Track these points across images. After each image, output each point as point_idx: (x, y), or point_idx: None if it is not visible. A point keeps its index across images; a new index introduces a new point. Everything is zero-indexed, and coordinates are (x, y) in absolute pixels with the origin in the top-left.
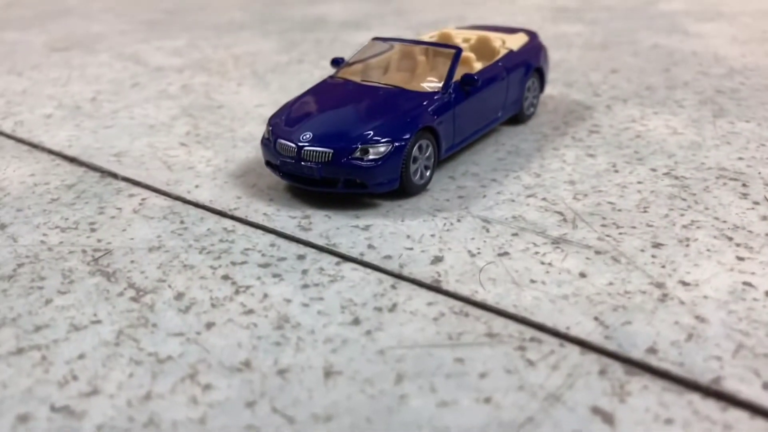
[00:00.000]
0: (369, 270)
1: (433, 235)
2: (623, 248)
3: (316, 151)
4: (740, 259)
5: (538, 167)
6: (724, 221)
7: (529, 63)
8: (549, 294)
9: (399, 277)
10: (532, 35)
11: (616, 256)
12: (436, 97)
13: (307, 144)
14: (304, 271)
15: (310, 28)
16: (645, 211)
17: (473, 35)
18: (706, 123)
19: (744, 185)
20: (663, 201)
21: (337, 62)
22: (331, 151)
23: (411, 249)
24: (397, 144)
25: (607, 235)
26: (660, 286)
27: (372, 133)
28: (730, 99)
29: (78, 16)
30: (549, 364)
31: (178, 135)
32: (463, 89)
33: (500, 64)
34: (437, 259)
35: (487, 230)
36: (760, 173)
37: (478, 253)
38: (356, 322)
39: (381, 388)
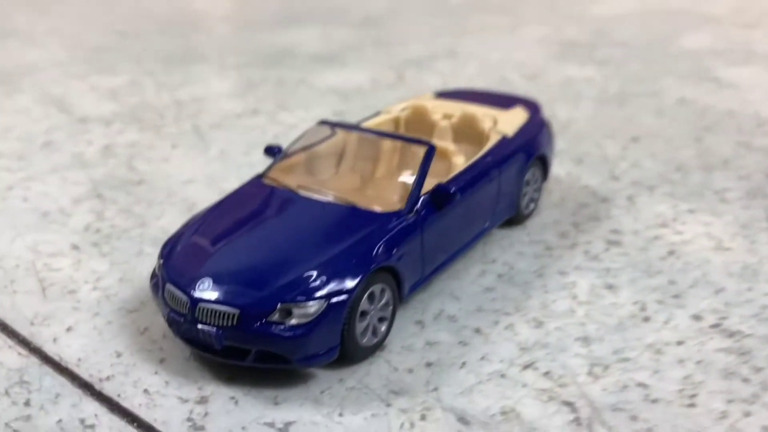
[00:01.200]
0: None
1: None
2: None
3: (216, 311)
4: None
5: (539, 307)
6: None
7: (529, 151)
8: None
9: None
10: (532, 109)
11: None
12: (397, 221)
13: (203, 298)
14: None
15: (275, 62)
16: (692, 406)
17: (456, 110)
18: (760, 230)
19: None
20: (716, 383)
21: (272, 152)
22: (237, 311)
23: None
24: (335, 300)
25: None
26: None
27: (299, 284)
28: None
29: (19, 39)
30: None
31: (75, 230)
32: (435, 204)
33: (489, 159)
34: None
35: None
36: None
37: None
38: None
39: None
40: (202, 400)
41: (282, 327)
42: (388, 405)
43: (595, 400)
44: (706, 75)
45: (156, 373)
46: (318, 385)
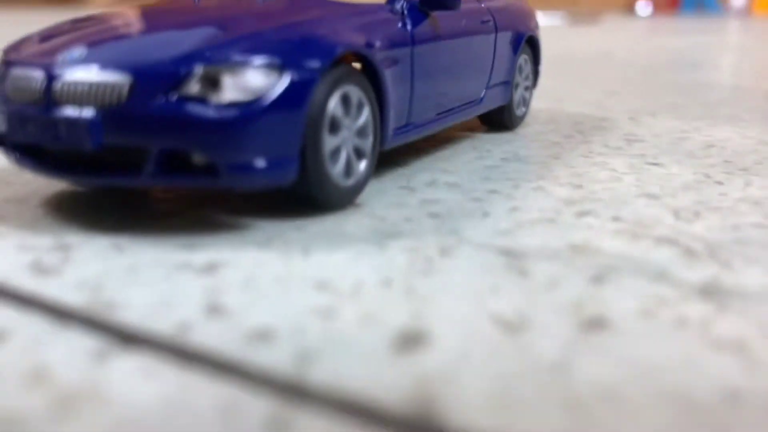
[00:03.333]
0: (195, 372)
1: (387, 283)
2: None
3: (91, 85)
4: None
5: (569, 176)
6: None
7: (519, 29)
8: None
9: (300, 392)
10: None
11: None
12: (378, 12)
13: (71, 68)
14: None
15: None
16: None
17: None
18: None
19: None
20: None
21: None
22: (129, 79)
23: (331, 313)
24: (294, 74)
25: None
26: None
27: (236, 43)
28: None
29: None
30: None
31: None
32: (423, 12)
33: (483, 5)
34: (410, 341)
35: (525, 271)
36: None
37: (528, 322)
38: None
39: None
40: (60, 247)
41: (205, 103)
42: (383, 247)
43: (702, 236)
44: None
45: None
46: (258, 231)
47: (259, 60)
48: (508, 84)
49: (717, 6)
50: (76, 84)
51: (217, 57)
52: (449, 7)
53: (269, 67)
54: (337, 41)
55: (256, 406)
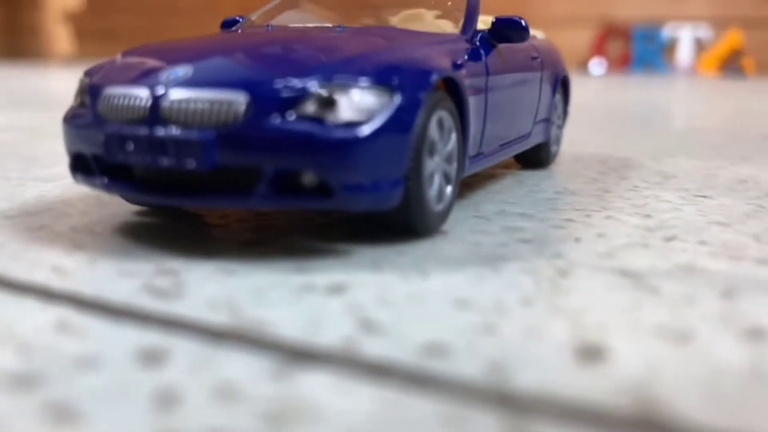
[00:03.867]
0: (395, 384)
1: (528, 302)
2: None
3: (202, 102)
4: None
5: (631, 206)
6: None
7: (557, 69)
8: None
9: (511, 405)
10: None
11: None
12: (457, 42)
13: (178, 86)
14: (166, 399)
15: None
16: None
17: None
18: None
19: None
20: None
21: (230, 24)
22: (246, 98)
23: (491, 329)
24: (403, 96)
25: None
26: None
27: (349, 62)
28: None
29: None
30: None
31: None
32: (493, 45)
33: (534, 47)
34: (592, 353)
35: (654, 290)
36: None
37: (690, 334)
38: None
39: None
40: (167, 272)
41: (321, 123)
42: (496, 269)
43: None
44: None
45: (73, 250)
46: (360, 257)
47: (372, 81)
48: (549, 121)
49: (665, 65)
50: (187, 102)
51: (333, 77)
52: (517, 40)
53: (382, 88)
54: (434, 67)
55: (483, 419)
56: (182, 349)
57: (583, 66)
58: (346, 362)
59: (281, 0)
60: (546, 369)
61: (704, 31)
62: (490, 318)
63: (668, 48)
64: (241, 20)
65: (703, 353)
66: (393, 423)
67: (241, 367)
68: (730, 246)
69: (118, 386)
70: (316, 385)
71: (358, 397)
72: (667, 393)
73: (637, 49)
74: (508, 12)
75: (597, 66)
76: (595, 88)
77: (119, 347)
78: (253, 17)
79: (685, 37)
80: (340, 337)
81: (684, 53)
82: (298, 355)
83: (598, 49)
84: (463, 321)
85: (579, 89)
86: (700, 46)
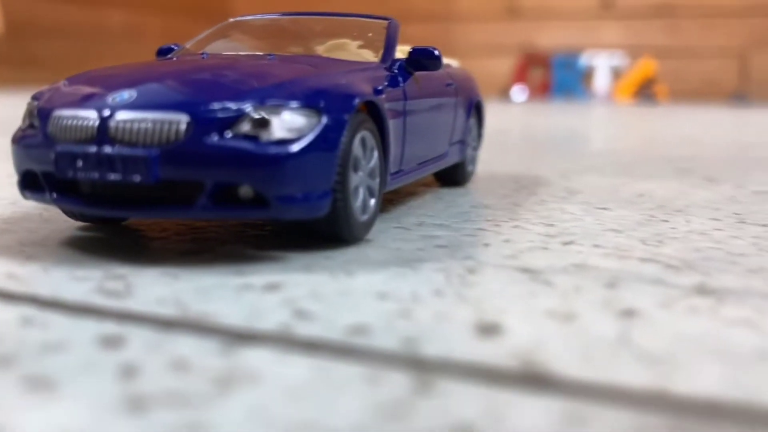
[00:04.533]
0: (325, 355)
1: (439, 293)
2: None
3: (147, 122)
4: None
5: (537, 217)
6: None
7: (470, 95)
8: None
9: (421, 367)
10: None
11: None
12: (378, 69)
13: (124, 108)
14: (128, 371)
15: None
16: None
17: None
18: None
19: None
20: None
21: (165, 52)
22: (186, 118)
23: (407, 314)
24: (329, 117)
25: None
26: None
27: (281, 87)
28: None
29: None
30: None
31: None
32: (410, 73)
33: (445, 71)
34: (489, 329)
35: (548, 282)
36: None
37: (573, 314)
38: None
39: None
40: (116, 276)
41: (257, 141)
42: (415, 269)
43: (676, 255)
44: None
45: (25, 261)
46: (294, 261)
47: (301, 104)
48: (464, 143)
49: (583, 92)
50: (132, 122)
51: (266, 100)
52: (431, 68)
53: (310, 110)
54: (357, 91)
55: (398, 377)
56: (137, 336)
57: (505, 93)
58: (283, 341)
59: (213, 30)
60: (450, 342)
61: (619, 60)
62: (406, 306)
63: (586, 75)
64: (175, 48)
65: (582, 329)
66: (323, 383)
67: (191, 347)
68: (620, 248)
69: (84, 364)
70: (258, 358)
71: (293, 366)
72: (548, 357)
73: (557, 77)
74: (435, 40)
75: (518, 93)
76: (515, 114)
77: (81, 335)
78: (188, 45)
79: (601, 65)
80: (277, 323)
81: (601, 80)
82: (241, 337)
83: (520, 77)
84: (383, 309)
85: (500, 115)
86: (616, 73)
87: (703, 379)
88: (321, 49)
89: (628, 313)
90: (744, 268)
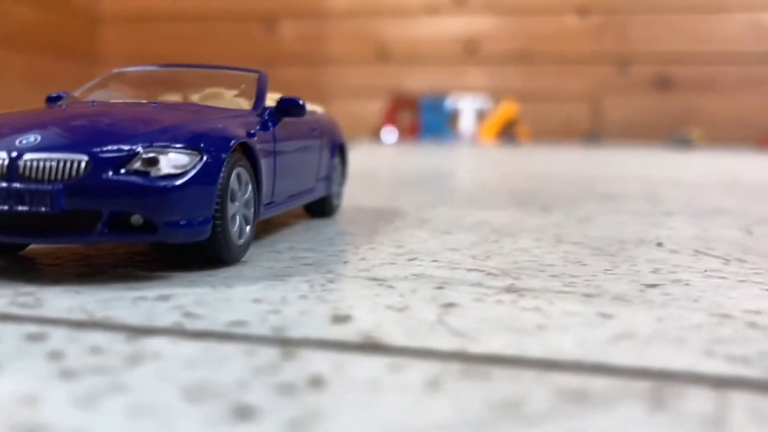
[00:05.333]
0: (212, 340)
1: (304, 297)
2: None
3: (52, 161)
4: None
5: (391, 241)
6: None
7: (334, 138)
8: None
9: (287, 343)
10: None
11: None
12: (249, 116)
13: (30, 149)
14: (55, 355)
15: None
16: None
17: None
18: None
19: None
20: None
21: (54, 100)
22: (86, 158)
23: (277, 312)
24: (209, 156)
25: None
26: None
27: (167, 131)
28: None
29: None
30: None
31: None
32: (279, 119)
33: (310, 118)
34: (341, 319)
35: (391, 287)
36: None
37: (406, 307)
38: (249, 414)
39: None
40: (26, 293)
41: (147, 176)
42: (284, 281)
43: (498, 266)
44: None
45: None
46: (181, 278)
47: (184, 144)
48: (330, 179)
49: (450, 134)
50: (38, 161)
51: (155, 142)
52: (296, 115)
53: (192, 150)
54: (233, 134)
55: (268, 351)
56: (56, 333)
57: (376, 135)
58: (177, 333)
59: (99, 80)
60: (311, 328)
61: (483, 102)
62: (276, 307)
63: (453, 118)
64: (63, 96)
65: (411, 316)
66: (212, 355)
67: (103, 339)
68: (453, 262)
69: (17, 351)
70: (158, 345)
71: (186, 347)
72: (383, 334)
73: (425, 119)
74: (307, 83)
75: (389, 134)
76: (385, 154)
77: (7, 335)
78: (76, 93)
79: (466, 108)
80: (171, 322)
81: (466, 122)
82: (143, 331)
83: (390, 119)
84: (258, 309)
85: (370, 155)
86: (480, 115)
87: (492, 344)
88: (196, 98)
89: (449, 305)
90: (548, 274)
